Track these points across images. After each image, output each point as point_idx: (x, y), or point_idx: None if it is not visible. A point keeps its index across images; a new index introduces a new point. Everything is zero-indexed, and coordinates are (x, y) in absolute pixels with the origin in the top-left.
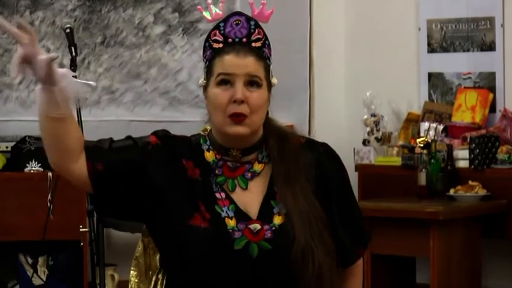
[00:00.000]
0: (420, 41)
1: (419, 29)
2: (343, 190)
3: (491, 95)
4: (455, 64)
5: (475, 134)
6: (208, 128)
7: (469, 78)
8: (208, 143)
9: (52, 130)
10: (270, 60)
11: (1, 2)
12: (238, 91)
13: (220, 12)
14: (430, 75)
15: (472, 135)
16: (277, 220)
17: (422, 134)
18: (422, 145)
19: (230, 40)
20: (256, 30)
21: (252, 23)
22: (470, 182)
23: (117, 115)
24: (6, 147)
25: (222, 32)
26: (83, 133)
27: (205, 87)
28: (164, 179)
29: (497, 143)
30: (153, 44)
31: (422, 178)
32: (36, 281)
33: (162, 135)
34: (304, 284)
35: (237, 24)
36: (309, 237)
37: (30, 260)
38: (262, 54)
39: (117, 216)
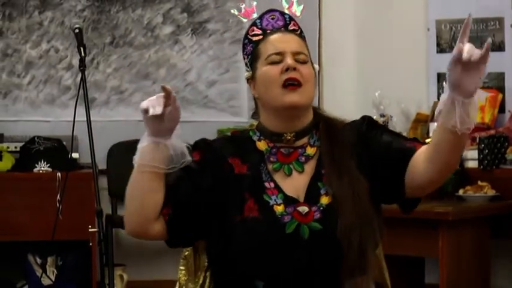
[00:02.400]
0: (429, 41)
1: (428, 29)
2: (381, 131)
3: (500, 95)
4: None
5: (484, 134)
6: (255, 124)
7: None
8: (258, 134)
9: (152, 184)
10: (308, 49)
11: (10, 2)
12: (288, 60)
13: (251, 8)
14: (439, 75)
15: (481, 136)
16: (325, 200)
17: (431, 134)
18: None
19: (269, 31)
20: (292, 22)
21: (287, 16)
22: (479, 183)
23: (126, 115)
24: (15, 147)
25: (259, 26)
26: (92, 133)
27: (252, 78)
28: (217, 188)
29: (507, 143)
30: (162, 44)
31: None
32: (45, 281)
33: (203, 145)
34: (348, 261)
35: (272, 19)
36: (353, 215)
37: (39, 260)
38: (303, 39)
39: (190, 244)
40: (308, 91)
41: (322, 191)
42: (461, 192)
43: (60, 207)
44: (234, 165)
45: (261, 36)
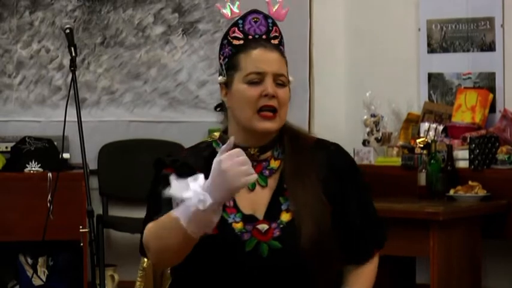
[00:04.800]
0: (420, 41)
1: (419, 30)
2: (356, 188)
3: (491, 95)
4: (455, 64)
5: (475, 134)
6: (216, 134)
7: (469, 78)
8: (221, 145)
9: (185, 245)
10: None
11: (1, 2)
12: (269, 86)
13: (237, 11)
14: (430, 75)
15: (472, 136)
16: (285, 217)
17: (422, 135)
18: (422, 145)
19: (250, 37)
20: (274, 28)
21: (270, 20)
22: (470, 183)
23: (117, 115)
24: (6, 147)
25: (241, 29)
26: (83, 134)
27: (225, 84)
28: None
29: (497, 144)
30: (153, 44)
31: (422, 178)
32: (36, 282)
33: (172, 162)
34: (315, 276)
35: (255, 22)
36: (316, 230)
37: (30, 261)
38: (282, 51)
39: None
40: (282, 116)
41: (283, 207)
42: (452, 192)
43: (51, 207)
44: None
45: (241, 41)
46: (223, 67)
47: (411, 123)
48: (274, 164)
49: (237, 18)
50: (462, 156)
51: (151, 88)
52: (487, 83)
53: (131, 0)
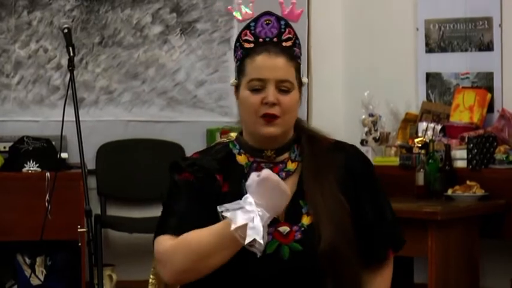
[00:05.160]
0: (418, 41)
1: (417, 29)
2: (373, 190)
3: (489, 95)
4: (453, 64)
5: (473, 134)
6: (233, 134)
7: (467, 78)
8: (238, 147)
9: (227, 254)
10: (300, 59)
11: None
12: (270, 94)
13: (251, 12)
14: (428, 75)
15: (470, 135)
16: (306, 220)
17: (420, 134)
18: (420, 145)
19: (261, 40)
20: (287, 30)
21: (283, 22)
22: (468, 182)
23: (115, 115)
24: (4, 147)
25: (252, 31)
26: (81, 133)
27: (236, 87)
28: (210, 207)
29: (495, 143)
30: (151, 44)
31: (420, 178)
32: (34, 281)
33: (189, 165)
34: (333, 279)
35: (267, 24)
36: (335, 234)
37: (28, 260)
38: (293, 53)
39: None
40: (287, 121)
41: (304, 210)
42: (450, 192)
43: (49, 207)
44: (221, 182)
45: (252, 44)
46: (236, 70)
47: (409, 122)
48: (291, 166)
49: (250, 20)
50: (460, 156)
51: (150, 88)
52: (485, 83)
53: (129, 0)
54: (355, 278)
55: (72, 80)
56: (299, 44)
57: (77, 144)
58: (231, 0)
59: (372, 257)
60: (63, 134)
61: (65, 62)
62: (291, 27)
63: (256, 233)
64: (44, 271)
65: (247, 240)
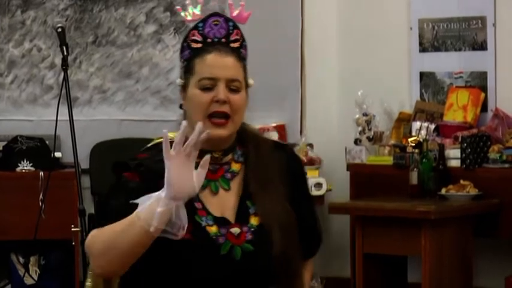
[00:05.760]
0: (412, 40)
1: (411, 29)
2: (306, 192)
3: (482, 95)
4: (447, 63)
5: (466, 133)
6: (172, 134)
7: (461, 77)
8: None
9: (148, 242)
10: (246, 61)
11: None
12: (220, 92)
13: (199, 13)
14: (421, 74)
15: (463, 135)
16: (254, 221)
17: (413, 134)
18: (413, 144)
19: (209, 40)
20: (235, 31)
21: (231, 23)
22: (461, 182)
23: (108, 114)
24: None
25: (201, 32)
26: (75, 133)
27: (183, 87)
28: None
29: (489, 143)
30: (145, 43)
31: (413, 177)
32: (28, 281)
33: (135, 166)
34: (281, 280)
35: (215, 25)
36: (285, 240)
37: (21, 260)
38: (240, 54)
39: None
40: (235, 122)
41: (251, 211)
42: (443, 191)
43: (43, 206)
44: None
45: (200, 44)
46: (182, 70)
47: (403, 122)
48: (235, 167)
49: (198, 20)
50: (454, 155)
51: (143, 87)
52: (478, 82)
53: None
54: (302, 281)
55: (65, 79)
56: (246, 46)
57: (71, 144)
58: (225, 0)
59: (306, 255)
60: (56, 133)
61: (58, 61)
62: (238, 28)
63: (150, 217)
64: (38, 270)
65: (144, 223)
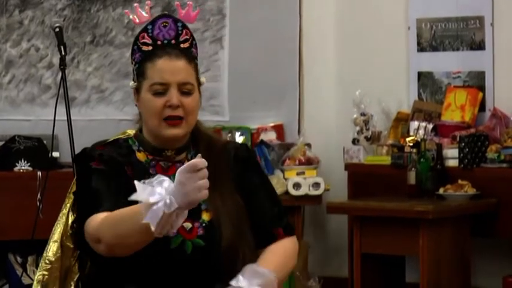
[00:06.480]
0: (410, 40)
1: (409, 28)
2: (262, 179)
3: (480, 94)
4: (445, 63)
5: (464, 133)
6: (129, 131)
7: (459, 77)
8: (137, 144)
9: (138, 242)
10: (197, 59)
11: None
12: (173, 97)
13: (147, 15)
14: (419, 74)
15: (461, 134)
16: (206, 216)
17: (411, 133)
18: (411, 144)
19: (159, 42)
20: (184, 31)
21: (179, 24)
22: (459, 181)
23: (106, 114)
24: None
25: (150, 34)
26: (72, 132)
27: (137, 89)
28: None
29: (487, 142)
30: None
31: (411, 177)
32: (26, 281)
33: (96, 155)
34: (230, 273)
35: (164, 26)
36: (235, 236)
37: (19, 259)
38: (191, 54)
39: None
40: (189, 122)
41: (203, 207)
42: (441, 190)
43: (41, 206)
44: (130, 174)
45: (150, 47)
46: (134, 73)
47: (401, 121)
48: None
49: (147, 22)
50: (452, 155)
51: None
52: (476, 82)
53: None
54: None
55: (63, 79)
56: (196, 45)
57: (69, 144)
58: (223, 0)
59: (264, 238)
60: (54, 133)
61: (56, 61)
62: (187, 28)
63: (152, 218)
64: (36, 270)
65: (144, 220)
